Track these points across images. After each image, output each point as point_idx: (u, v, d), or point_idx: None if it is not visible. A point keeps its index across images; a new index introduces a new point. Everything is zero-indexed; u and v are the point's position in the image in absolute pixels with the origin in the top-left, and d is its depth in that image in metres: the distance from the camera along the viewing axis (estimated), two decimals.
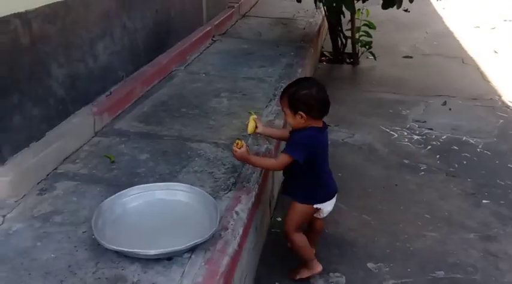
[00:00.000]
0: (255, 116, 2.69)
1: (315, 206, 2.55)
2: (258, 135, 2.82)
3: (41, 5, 2.68)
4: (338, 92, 5.42)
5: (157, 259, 2.05)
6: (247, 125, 2.68)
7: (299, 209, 2.58)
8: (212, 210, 2.25)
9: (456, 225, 3.22)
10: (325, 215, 2.66)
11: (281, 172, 2.65)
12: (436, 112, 4.94)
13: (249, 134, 2.74)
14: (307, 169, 2.44)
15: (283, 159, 2.42)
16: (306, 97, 2.35)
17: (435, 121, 4.72)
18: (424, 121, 4.70)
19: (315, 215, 2.63)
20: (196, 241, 2.05)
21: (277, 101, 3.74)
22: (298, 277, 2.71)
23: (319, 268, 2.69)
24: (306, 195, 2.55)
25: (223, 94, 3.90)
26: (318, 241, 2.92)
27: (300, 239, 2.64)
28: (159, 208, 2.37)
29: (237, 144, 2.44)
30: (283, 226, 2.70)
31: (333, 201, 2.62)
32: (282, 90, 2.51)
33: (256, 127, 2.65)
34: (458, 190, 3.60)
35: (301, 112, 2.35)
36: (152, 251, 2.01)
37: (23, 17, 2.55)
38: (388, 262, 2.88)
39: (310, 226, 2.81)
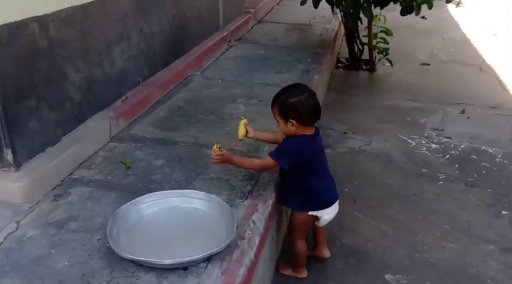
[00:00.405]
0: (245, 121, 2.66)
1: (310, 213, 2.53)
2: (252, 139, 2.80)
3: (58, 9, 2.67)
4: (354, 99, 5.41)
5: (172, 269, 2.02)
6: (237, 131, 2.67)
7: (297, 217, 2.59)
8: (229, 218, 2.21)
9: (476, 236, 3.15)
10: (324, 224, 2.64)
11: None
12: (454, 121, 4.87)
13: (240, 139, 2.71)
14: (300, 176, 2.44)
15: (267, 161, 2.42)
16: (296, 105, 2.32)
17: (453, 129, 4.65)
18: (442, 130, 4.63)
19: (315, 223, 2.63)
20: (212, 251, 2.01)
21: None
22: (281, 271, 2.79)
23: (304, 275, 2.75)
24: (301, 202, 2.54)
25: (240, 100, 3.87)
26: (329, 245, 2.92)
27: (300, 247, 2.66)
28: (175, 216, 2.34)
29: (218, 147, 2.45)
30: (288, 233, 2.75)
31: (333, 209, 2.59)
32: (272, 100, 2.44)
33: (247, 132, 2.64)
34: (478, 201, 3.53)
35: (292, 120, 2.33)
36: (167, 261, 1.98)
37: (41, 21, 2.54)
38: (406, 273, 2.82)
39: (314, 235, 2.84)
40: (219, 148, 2.44)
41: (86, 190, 2.59)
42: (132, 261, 2.03)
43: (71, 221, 2.33)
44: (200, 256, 2.00)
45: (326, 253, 2.88)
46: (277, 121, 2.40)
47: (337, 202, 2.60)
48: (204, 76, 4.42)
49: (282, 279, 2.77)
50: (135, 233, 2.22)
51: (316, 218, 2.56)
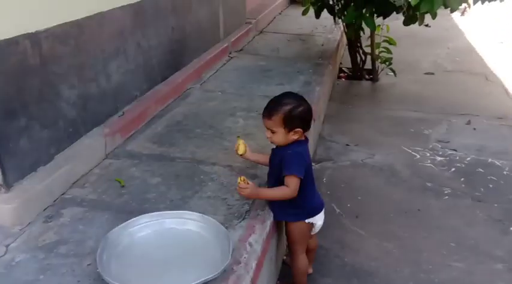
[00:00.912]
0: (242, 141, 2.65)
1: (307, 221, 2.48)
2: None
3: (52, 25, 2.61)
4: (357, 110, 5.34)
5: None
6: (236, 148, 2.63)
7: (294, 229, 2.52)
8: (224, 242, 2.13)
9: (483, 254, 3.06)
10: (317, 230, 2.59)
11: None
12: (459, 132, 4.78)
13: (241, 155, 2.65)
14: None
15: (295, 182, 2.31)
16: (304, 114, 2.32)
17: (459, 141, 4.56)
18: (448, 142, 4.54)
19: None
20: (207, 277, 1.93)
21: None
22: None
23: None
24: (297, 212, 2.47)
25: (239, 114, 3.79)
26: (314, 258, 2.87)
27: (302, 263, 2.60)
28: (168, 239, 2.25)
29: (243, 180, 2.33)
30: (288, 250, 2.67)
31: (322, 213, 2.55)
32: (265, 109, 2.36)
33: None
34: (485, 216, 3.44)
35: (298, 129, 2.30)
36: None
37: (33, 38, 2.48)
38: None
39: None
40: (244, 180, 2.33)
41: (78, 210, 2.51)
42: None
43: (62, 244, 2.25)
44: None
45: (309, 269, 2.81)
46: (273, 132, 2.32)
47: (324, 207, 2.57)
48: (204, 89, 4.35)
49: None
50: (128, 257, 2.13)
51: (312, 225, 2.51)
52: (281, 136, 2.32)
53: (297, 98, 2.36)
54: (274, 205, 2.51)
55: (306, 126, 2.35)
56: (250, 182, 2.35)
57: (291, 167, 2.32)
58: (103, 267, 1.99)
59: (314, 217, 2.48)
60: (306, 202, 2.45)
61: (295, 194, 2.33)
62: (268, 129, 2.35)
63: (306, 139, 2.43)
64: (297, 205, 2.43)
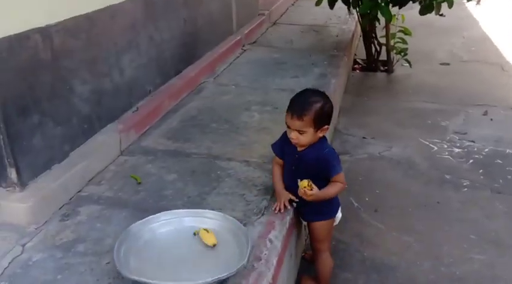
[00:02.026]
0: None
1: (336, 216, 2.49)
2: None
3: (63, 19, 2.56)
4: (372, 102, 5.27)
5: None
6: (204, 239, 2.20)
7: (324, 227, 2.48)
8: (243, 241, 2.09)
9: (504, 247, 3.01)
10: (337, 223, 2.57)
11: None
12: (477, 123, 4.69)
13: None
14: (325, 182, 2.33)
15: (343, 177, 2.34)
16: (331, 110, 2.29)
17: (476, 132, 4.48)
18: (465, 133, 4.47)
19: None
20: (220, 276, 1.89)
21: None
22: None
23: None
24: (331, 209, 2.45)
25: (254, 108, 3.74)
26: (333, 251, 2.81)
27: (328, 262, 2.57)
28: (188, 236, 2.21)
29: (309, 185, 2.24)
30: (313, 249, 2.62)
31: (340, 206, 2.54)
32: (294, 110, 2.23)
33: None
34: (505, 208, 3.38)
35: (326, 127, 2.26)
36: None
37: (44, 32, 2.44)
38: None
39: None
40: (310, 185, 2.25)
41: (95, 208, 2.48)
42: None
43: (79, 243, 2.22)
44: (204, 281, 1.88)
45: None
46: (302, 133, 2.23)
47: None
48: (218, 83, 4.31)
49: None
50: (146, 253, 2.11)
51: (334, 220, 2.50)
52: (309, 136, 2.24)
53: (322, 94, 2.31)
54: (306, 208, 2.45)
55: (330, 122, 2.30)
56: (314, 186, 2.26)
57: (337, 166, 2.31)
58: (120, 260, 1.97)
59: (338, 211, 2.49)
60: (335, 197, 2.44)
61: (343, 189, 2.36)
62: (295, 130, 2.24)
63: (324, 136, 2.36)
64: (332, 201, 2.42)
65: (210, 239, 2.15)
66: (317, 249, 2.55)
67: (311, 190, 2.23)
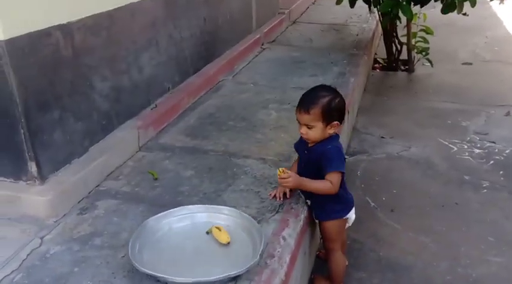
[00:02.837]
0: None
1: (345, 217, 2.44)
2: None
3: (83, 17, 2.61)
4: (392, 101, 5.25)
5: None
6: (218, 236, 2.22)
7: (332, 226, 2.46)
8: (257, 238, 2.11)
9: None
10: (350, 224, 2.54)
11: None
12: (498, 124, 4.64)
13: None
14: None
15: (337, 177, 2.24)
16: (341, 105, 2.26)
17: (498, 133, 4.43)
18: (486, 134, 4.42)
19: None
20: (230, 273, 1.91)
21: None
22: None
23: None
24: (338, 208, 2.42)
25: (272, 106, 3.76)
26: (348, 250, 2.84)
27: (341, 261, 2.57)
28: (203, 232, 2.23)
29: (283, 171, 2.25)
30: (325, 248, 2.62)
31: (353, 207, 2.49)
32: (302, 103, 2.24)
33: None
34: None
35: (335, 123, 2.23)
36: (178, 279, 1.90)
37: (65, 29, 2.48)
38: None
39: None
40: (284, 171, 2.25)
41: (112, 202, 2.52)
42: (157, 281, 1.95)
43: (96, 236, 2.26)
44: (214, 278, 1.90)
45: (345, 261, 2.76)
46: (310, 127, 2.23)
47: None
48: (236, 81, 4.33)
49: None
50: (161, 246, 2.15)
51: (346, 220, 2.47)
52: (319, 132, 2.23)
53: (332, 90, 2.29)
54: (318, 206, 2.46)
55: (342, 119, 2.28)
56: (289, 172, 2.27)
57: (333, 163, 2.24)
58: (134, 254, 2.01)
59: (350, 212, 2.45)
60: (347, 197, 2.42)
61: (336, 190, 2.26)
62: (304, 124, 2.24)
63: (337, 134, 2.34)
64: (341, 200, 2.39)
65: (223, 238, 2.17)
66: (329, 248, 2.55)
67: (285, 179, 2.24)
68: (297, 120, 2.27)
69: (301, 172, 2.37)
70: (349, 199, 2.45)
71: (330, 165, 2.24)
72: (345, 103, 2.29)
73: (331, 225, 2.45)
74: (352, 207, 2.46)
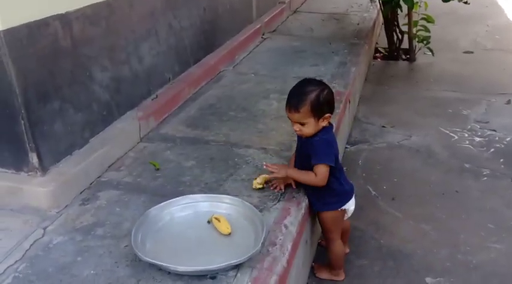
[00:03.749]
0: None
1: (341, 208, 2.43)
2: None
3: (82, 6, 2.60)
4: (393, 91, 5.25)
5: (200, 278, 1.94)
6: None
7: (328, 218, 2.47)
8: (259, 227, 2.12)
9: None
10: (350, 215, 2.54)
11: None
12: (499, 112, 4.65)
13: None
14: (331, 171, 2.30)
15: (324, 170, 2.25)
16: (330, 97, 2.24)
17: (498, 121, 4.43)
18: (487, 122, 4.43)
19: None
20: (231, 262, 1.92)
21: None
22: (317, 274, 2.70)
23: (341, 277, 2.68)
24: (332, 200, 2.42)
25: (273, 96, 3.76)
26: (349, 238, 2.84)
27: (338, 248, 2.58)
28: (206, 221, 2.24)
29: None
30: (324, 237, 2.67)
31: (353, 198, 2.48)
32: (290, 102, 2.23)
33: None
34: None
35: (327, 115, 2.22)
36: (180, 268, 1.92)
37: (63, 19, 2.47)
38: (448, 276, 2.69)
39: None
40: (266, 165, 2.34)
41: (114, 193, 2.53)
42: (159, 269, 1.96)
43: (98, 226, 2.27)
44: (216, 266, 1.92)
45: (346, 249, 2.80)
46: (303, 123, 2.22)
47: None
48: (237, 72, 4.33)
49: (318, 283, 2.67)
50: (163, 235, 2.16)
51: (345, 211, 2.46)
52: (312, 127, 2.23)
53: (318, 83, 2.28)
54: (313, 197, 2.47)
55: (333, 110, 2.27)
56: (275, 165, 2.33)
57: (318, 155, 2.25)
58: (137, 243, 2.02)
59: (347, 203, 2.44)
60: (343, 188, 2.41)
61: (323, 183, 2.28)
62: (296, 122, 2.24)
63: (331, 125, 2.33)
64: (336, 192, 2.39)
65: (223, 228, 2.17)
66: (327, 238, 2.58)
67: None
68: (288, 117, 2.28)
69: (296, 163, 2.42)
70: (346, 191, 2.44)
71: (315, 157, 2.25)
72: (332, 93, 2.27)
73: (327, 216, 2.47)
74: (350, 199, 2.45)
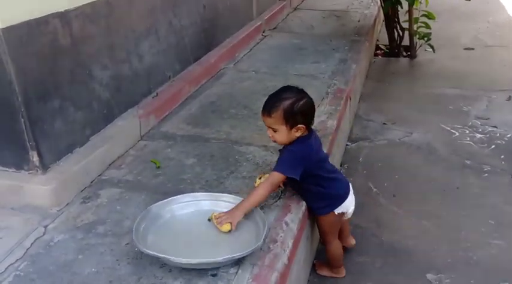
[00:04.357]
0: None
1: (336, 212, 2.40)
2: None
3: (81, 4, 2.59)
4: (394, 88, 5.25)
5: (201, 276, 1.94)
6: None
7: (325, 221, 2.47)
8: (260, 224, 2.12)
9: None
10: (350, 216, 2.52)
11: None
12: (500, 109, 4.64)
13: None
14: (312, 179, 2.28)
15: (276, 177, 2.21)
16: (305, 108, 2.18)
17: (499, 118, 4.43)
18: (488, 118, 4.42)
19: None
20: (234, 255, 1.92)
21: (330, 100, 3.59)
22: (318, 271, 2.71)
23: (342, 274, 2.68)
24: (323, 205, 2.40)
25: None
26: (351, 230, 2.86)
27: (336, 247, 2.58)
28: (207, 218, 2.24)
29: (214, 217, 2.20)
30: (320, 238, 2.68)
31: (351, 197, 2.45)
32: (265, 106, 2.21)
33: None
34: None
35: (300, 126, 2.17)
36: (184, 260, 1.91)
37: (63, 17, 2.47)
38: (449, 272, 2.69)
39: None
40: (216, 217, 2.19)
41: (115, 191, 2.53)
42: (161, 267, 1.97)
43: (99, 224, 2.27)
44: (220, 259, 1.91)
45: (352, 240, 2.81)
46: (274, 130, 2.20)
47: (351, 187, 2.47)
48: (237, 69, 4.33)
49: (319, 280, 2.68)
50: (165, 232, 2.15)
51: (343, 214, 2.44)
52: (283, 135, 2.19)
53: (297, 91, 2.23)
54: (306, 201, 2.45)
55: (309, 121, 2.22)
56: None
57: (280, 164, 2.22)
58: (139, 237, 2.01)
59: (342, 205, 2.40)
60: (329, 193, 2.37)
61: (272, 191, 2.28)
62: (269, 127, 2.22)
63: (310, 134, 2.27)
64: (324, 197, 2.37)
65: (224, 227, 2.13)
66: (323, 239, 2.59)
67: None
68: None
69: None
70: (336, 195, 2.40)
71: (277, 164, 2.23)
72: (311, 105, 2.21)
73: (322, 219, 2.47)
74: (341, 203, 2.39)
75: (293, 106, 2.14)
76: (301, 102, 2.16)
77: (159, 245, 2.04)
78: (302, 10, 6.69)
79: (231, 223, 2.12)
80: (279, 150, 2.35)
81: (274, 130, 2.20)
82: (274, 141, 2.27)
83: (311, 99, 2.24)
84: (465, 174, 3.60)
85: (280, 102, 2.15)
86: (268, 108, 2.18)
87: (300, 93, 2.22)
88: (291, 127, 2.17)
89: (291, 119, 2.15)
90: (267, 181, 2.22)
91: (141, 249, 1.94)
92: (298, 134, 2.19)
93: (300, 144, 2.22)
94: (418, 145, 4.01)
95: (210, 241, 2.11)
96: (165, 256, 1.92)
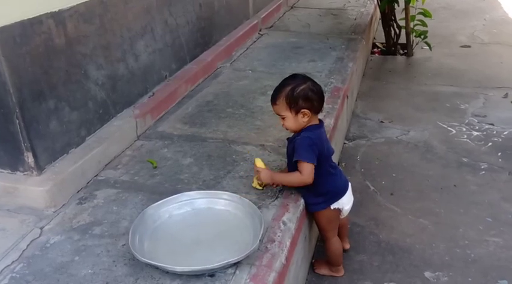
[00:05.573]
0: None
1: (332, 207, 2.40)
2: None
3: (75, 4, 2.57)
4: (391, 86, 5.25)
5: (199, 277, 1.93)
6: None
7: (321, 217, 2.47)
8: (257, 224, 2.10)
9: None
10: (347, 213, 2.53)
11: None
12: (496, 106, 4.65)
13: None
14: (316, 170, 2.26)
15: (307, 167, 2.21)
16: (306, 92, 2.21)
17: (496, 115, 4.44)
18: (484, 116, 4.43)
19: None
20: (229, 260, 1.91)
21: (327, 98, 3.56)
22: (317, 270, 2.71)
23: (341, 273, 2.68)
24: (320, 200, 2.40)
25: (271, 92, 3.63)
26: (348, 234, 2.87)
27: (336, 246, 2.58)
28: (204, 218, 2.25)
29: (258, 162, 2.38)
30: (320, 235, 2.68)
31: (349, 194, 2.46)
32: (272, 94, 2.30)
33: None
34: None
35: (304, 110, 2.20)
36: (178, 268, 1.90)
37: (57, 17, 2.45)
38: (447, 270, 2.69)
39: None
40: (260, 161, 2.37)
41: (111, 192, 2.52)
42: (157, 268, 1.95)
43: (96, 225, 2.26)
44: (215, 265, 1.90)
45: (346, 245, 2.81)
46: (283, 118, 2.25)
47: (350, 187, 2.48)
48: (234, 68, 4.31)
49: (317, 279, 2.68)
50: (161, 234, 2.15)
51: (339, 211, 2.44)
52: (291, 121, 2.24)
53: (302, 78, 2.27)
54: (303, 197, 2.45)
55: (313, 106, 2.23)
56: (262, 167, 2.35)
57: (298, 152, 2.22)
58: (134, 243, 2.00)
59: (338, 202, 2.40)
60: (327, 188, 2.37)
61: (309, 180, 2.24)
62: (278, 115, 2.29)
63: (321, 123, 2.32)
64: (320, 192, 2.37)
65: (255, 183, 2.40)
66: (323, 236, 2.58)
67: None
68: None
69: (288, 166, 2.42)
70: (332, 191, 2.40)
71: (296, 154, 2.23)
72: (314, 90, 2.23)
73: (319, 215, 2.47)
74: (338, 198, 2.40)
75: (293, 91, 2.20)
76: (302, 87, 2.21)
77: (156, 250, 2.04)
78: (299, 8, 6.67)
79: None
80: (287, 139, 2.40)
81: (283, 118, 2.25)
82: (286, 129, 2.32)
83: (317, 85, 2.27)
84: (462, 171, 3.60)
85: (283, 88, 2.23)
86: (273, 96, 2.27)
87: (304, 79, 2.26)
88: (296, 113, 2.21)
89: (293, 104, 2.20)
90: (301, 175, 2.23)
91: (137, 257, 1.92)
92: (305, 119, 2.23)
93: (312, 131, 2.25)
94: (415, 143, 4.01)
95: (207, 241, 2.11)
96: (161, 264, 1.91)
